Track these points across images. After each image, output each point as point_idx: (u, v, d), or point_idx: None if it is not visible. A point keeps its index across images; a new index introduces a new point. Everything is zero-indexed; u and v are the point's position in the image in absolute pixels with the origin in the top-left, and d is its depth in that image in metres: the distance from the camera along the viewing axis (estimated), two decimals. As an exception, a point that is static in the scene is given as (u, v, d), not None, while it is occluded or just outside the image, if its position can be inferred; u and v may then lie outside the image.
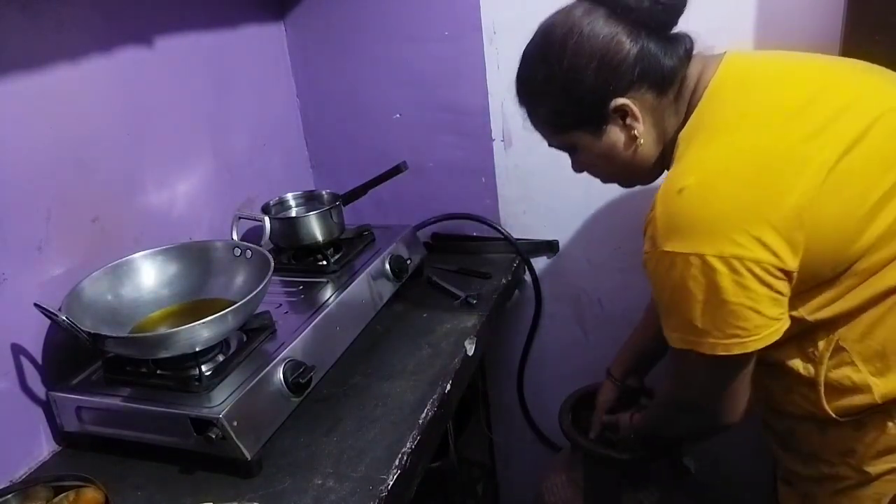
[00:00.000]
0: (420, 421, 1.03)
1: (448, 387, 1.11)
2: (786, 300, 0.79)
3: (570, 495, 1.41)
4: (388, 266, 1.34)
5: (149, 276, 1.14)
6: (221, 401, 0.93)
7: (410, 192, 1.62)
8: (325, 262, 1.31)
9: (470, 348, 1.22)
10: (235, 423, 0.91)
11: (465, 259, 1.57)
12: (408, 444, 0.98)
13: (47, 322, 1.03)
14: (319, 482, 0.93)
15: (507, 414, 1.80)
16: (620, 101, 0.86)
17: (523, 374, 1.73)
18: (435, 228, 1.65)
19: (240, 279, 1.13)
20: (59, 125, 1.07)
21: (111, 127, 1.17)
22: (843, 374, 0.84)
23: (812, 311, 0.83)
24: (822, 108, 0.81)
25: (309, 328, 1.10)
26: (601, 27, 0.85)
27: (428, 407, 1.06)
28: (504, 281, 1.47)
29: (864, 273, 0.80)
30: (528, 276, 1.62)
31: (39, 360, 1.04)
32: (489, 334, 1.36)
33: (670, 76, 0.87)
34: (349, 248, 1.37)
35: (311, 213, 1.33)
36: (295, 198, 1.47)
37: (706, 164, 0.80)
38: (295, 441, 1.01)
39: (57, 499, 0.87)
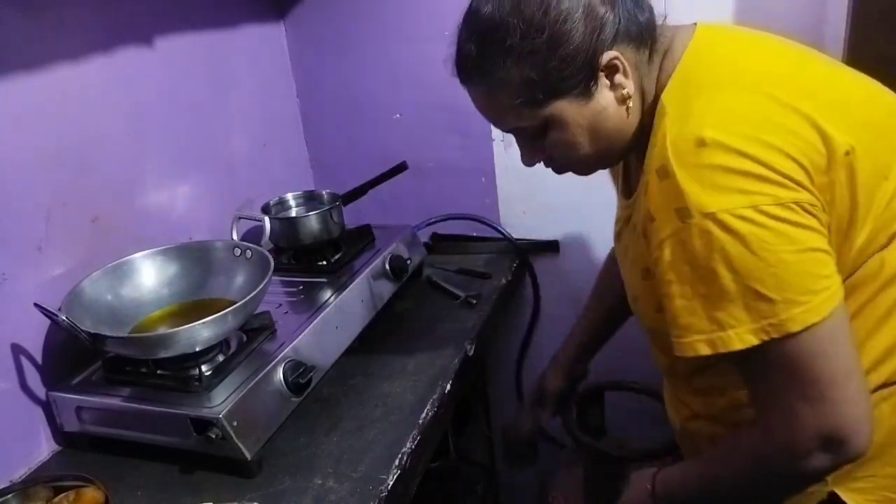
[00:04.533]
0: (420, 421, 1.03)
1: (448, 387, 1.11)
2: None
3: (572, 490, 1.42)
4: (388, 266, 1.34)
5: (149, 276, 1.14)
6: (221, 401, 0.93)
7: (410, 192, 1.61)
8: (325, 262, 1.31)
9: (470, 348, 1.22)
10: (235, 423, 0.91)
11: (465, 259, 1.57)
12: (408, 444, 0.98)
13: (47, 322, 1.03)
14: (319, 482, 0.93)
15: (507, 414, 1.80)
16: (612, 53, 0.75)
17: (521, 373, 1.73)
18: (435, 228, 1.65)
19: (240, 279, 1.13)
20: (59, 125, 1.07)
21: (111, 127, 1.17)
22: None
23: None
24: (810, 80, 0.77)
25: (309, 328, 1.10)
26: None
27: (428, 407, 1.06)
28: (504, 281, 1.46)
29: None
30: (528, 276, 1.62)
31: (39, 360, 1.04)
32: (489, 334, 1.36)
33: (647, 29, 0.78)
34: (349, 248, 1.37)
35: (311, 213, 1.33)
36: (295, 198, 1.47)
37: (721, 113, 0.71)
38: (295, 441, 1.01)
39: (57, 499, 0.87)
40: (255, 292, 0.99)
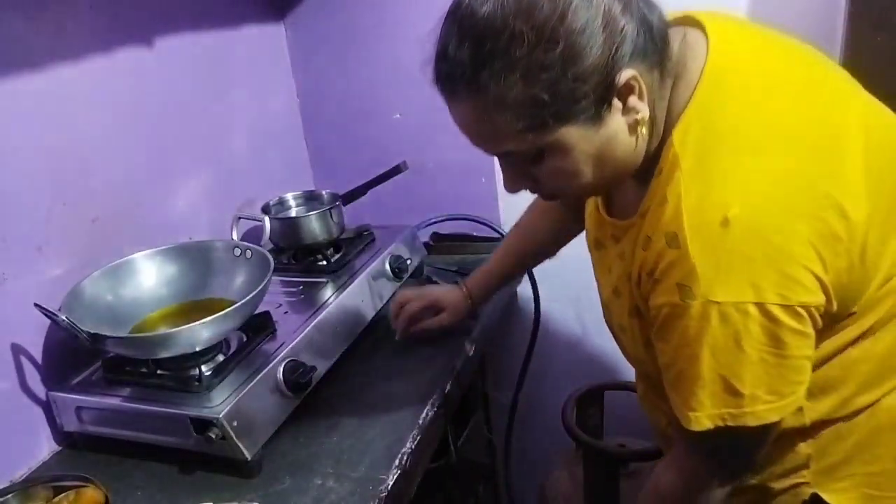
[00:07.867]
0: (420, 421, 1.03)
1: (448, 387, 1.11)
2: None
3: (571, 490, 1.42)
4: (388, 266, 1.34)
5: (149, 276, 1.14)
6: (221, 401, 0.93)
7: (410, 192, 1.61)
8: (325, 262, 1.31)
9: (470, 348, 1.22)
10: (235, 423, 0.91)
11: (465, 259, 1.57)
12: (408, 444, 0.98)
13: (47, 322, 1.03)
14: (319, 482, 0.93)
15: (506, 414, 1.80)
16: (630, 72, 0.63)
17: (524, 374, 1.73)
18: (435, 228, 1.65)
19: (240, 279, 1.13)
20: (60, 125, 1.07)
21: (111, 127, 1.17)
22: None
23: None
24: (831, 129, 0.69)
25: (309, 328, 1.10)
26: None
27: (428, 407, 1.06)
28: (504, 281, 1.46)
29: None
30: (528, 276, 1.62)
31: (39, 360, 1.04)
32: (489, 334, 1.36)
33: (660, 40, 0.66)
34: (349, 248, 1.37)
35: (311, 213, 1.33)
36: (295, 198, 1.47)
37: (749, 188, 0.63)
38: (295, 441, 1.01)
39: (57, 499, 0.87)
40: (255, 292, 0.99)
